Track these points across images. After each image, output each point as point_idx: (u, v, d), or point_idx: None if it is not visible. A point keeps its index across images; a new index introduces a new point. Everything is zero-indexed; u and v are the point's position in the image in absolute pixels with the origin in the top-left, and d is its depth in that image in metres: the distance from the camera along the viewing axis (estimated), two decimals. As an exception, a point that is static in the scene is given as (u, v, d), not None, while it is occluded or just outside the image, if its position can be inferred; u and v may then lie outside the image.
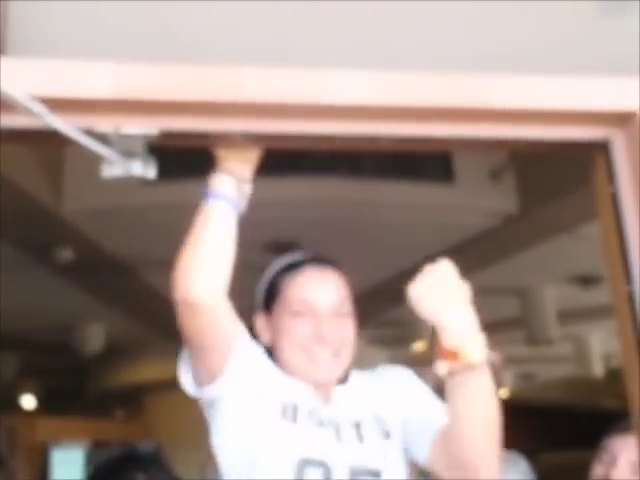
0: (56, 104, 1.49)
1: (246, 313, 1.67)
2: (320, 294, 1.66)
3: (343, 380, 1.68)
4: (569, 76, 1.70)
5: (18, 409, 10.11)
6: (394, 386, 1.72)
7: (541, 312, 6.67)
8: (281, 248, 5.37)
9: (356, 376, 1.72)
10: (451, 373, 1.53)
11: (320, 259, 1.72)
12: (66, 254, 5.42)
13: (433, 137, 1.71)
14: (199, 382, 1.61)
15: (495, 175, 4.85)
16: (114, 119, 1.57)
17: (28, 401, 10.40)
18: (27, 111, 1.45)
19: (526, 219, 5.06)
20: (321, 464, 1.56)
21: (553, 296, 6.67)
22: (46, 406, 10.12)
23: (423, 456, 1.63)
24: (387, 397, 1.70)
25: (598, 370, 8.26)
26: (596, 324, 7.25)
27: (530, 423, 10.85)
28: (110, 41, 1.66)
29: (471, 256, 5.68)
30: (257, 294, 1.73)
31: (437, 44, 1.79)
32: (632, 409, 1.77)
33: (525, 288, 6.61)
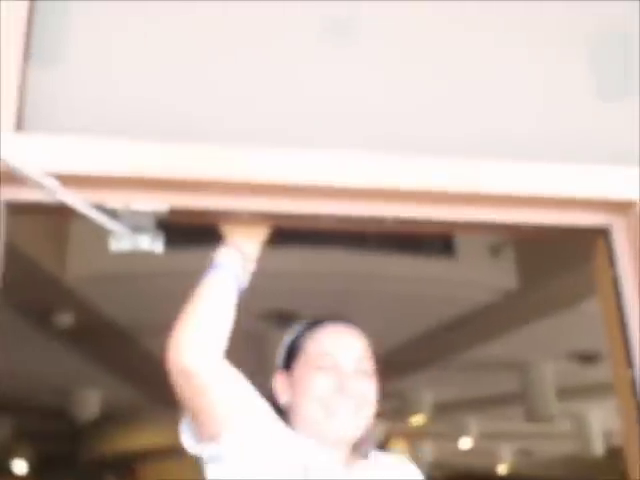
0: (68, 180, 1.52)
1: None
2: (343, 349, 1.64)
3: (364, 454, 1.66)
4: (569, 163, 1.74)
5: (9, 474, 9.95)
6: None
7: (540, 388, 6.63)
8: (282, 317, 5.38)
9: (377, 456, 1.69)
10: None
11: (342, 318, 1.71)
12: (65, 319, 5.41)
13: (435, 219, 1.73)
14: (199, 439, 1.58)
15: (495, 251, 4.88)
16: (125, 195, 1.60)
17: (20, 466, 10.23)
18: (40, 186, 1.48)
19: (526, 294, 5.07)
20: None
21: (552, 372, 6.64)
22: (38, 472, 9.95)
23: None
24: None
25: (598, 448, 8.16)
26: (596, 401, 7.19)
27: (529, 500, 10.67)
28: (123, 120, 1.70)
29: (471, 331, 5.69)
30: (278, 355, 1.71)
31: (439, 130, 1.83)
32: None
33: (524, 363, 6.59)
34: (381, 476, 1.64)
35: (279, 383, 1.67)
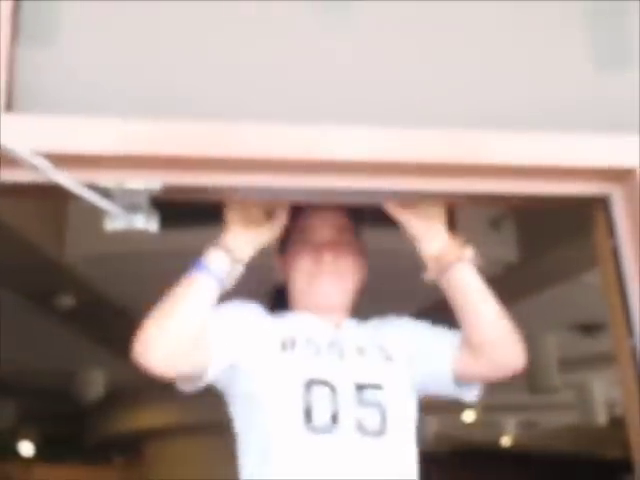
0: (60, 159, 1.51)
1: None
2: (320, 222, 1.84)
3: (352, 315, 1.85)
4: (569, 132, 1.72)
5: (16, 456, 10.04)
6: (398, 323, 1.90)
7: (543, 360, 6.64)
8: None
9: (365, 320, 1.88)
10: (439, 275, 1.81)
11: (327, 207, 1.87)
12: (67, 301, 5.42)
13: (433, 192, 1.72)
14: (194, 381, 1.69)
15: (495, 223, 4.87)
16: (117, 174, 1.58)
17: (26, 448, 10.32)
18: (31, 167, 1.47)
19: (527, 267, 5.07)
20: (325, 383, 1.64)
21: (555, 344, 6.65)
22: (44, 453, 10.04)
23: (449, 362, 1.81)
24: (391, 331, 1.85)
25: (601, 418, 8.20)
26: (599, 372, 7.21)
27: (532, 471, 10.74)
28: (113, 97, 1.68)
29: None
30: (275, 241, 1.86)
31: (437, 101, 1.81)
32: (635, 461, 1.76)
33: (527, 336, 6.53)
34: (365, 329, 1.84)
35: (277, 264, 1.88)
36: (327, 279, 1.78)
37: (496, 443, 10.97)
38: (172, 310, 1.59)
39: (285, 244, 1.86)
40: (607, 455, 8.24)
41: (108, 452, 9.98)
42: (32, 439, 10.21)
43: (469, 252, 1.82)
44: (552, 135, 1.71)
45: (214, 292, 1.64)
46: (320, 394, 1.62)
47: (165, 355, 1.56)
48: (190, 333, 1.59)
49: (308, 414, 1.60)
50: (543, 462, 10.86)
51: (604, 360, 6.28)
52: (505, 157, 1.68)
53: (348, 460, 1.60)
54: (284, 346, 1.69)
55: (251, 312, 1.76)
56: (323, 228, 1.83)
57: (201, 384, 1.68)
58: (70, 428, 9.23)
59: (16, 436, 9.92)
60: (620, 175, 1.72)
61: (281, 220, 1.79)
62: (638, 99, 1.84)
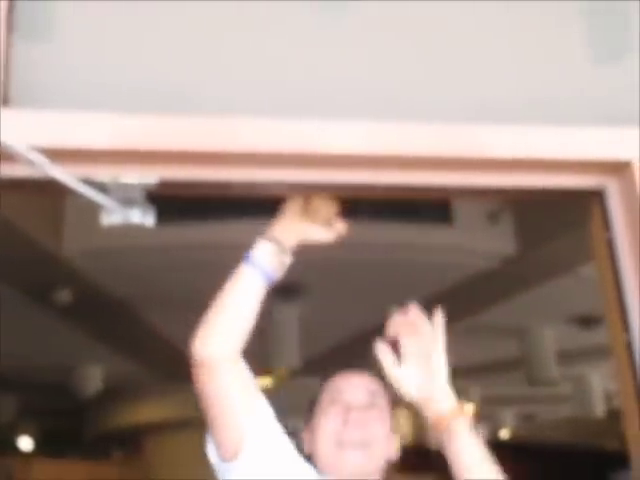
0: (56, 154, 1.51)
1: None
2: (352, 387, 1.72)
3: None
4: (565, 125, 1.72)
5: (15, 451, 10.04)
6: None
7: (541, 352, 6.66)
8: (281, 289, 5.38)
9: None
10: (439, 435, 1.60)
11: (356, 369, 1.78)
12: (65, 295, 5.42)
13: (430, 185, 1.72)
14: (222, 457, 1.65)
15: (493, 217, 4.88)
16: (113, 169, 1.58)
17: (25, 443, 10.33)
18: (27, 162, 1.47)
19: (524, 260, 5.08)
20: None
21: (553, 336, 6.66)
22: (43, 448, 10.05)
23: None
24: None
25: (599, 410, 8.22)
26: (596, 364, 7.23)
27: (531, 463, 10.76)
28: (109, 92, 1.68)
29: (470, 297, 5.70)
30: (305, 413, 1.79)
31: (433, 94, 1.81)
32: (631, 454, 1.77)
33: (524, 329, 6.61)
34: None
35: (305, 439, 1.75)
36: (356, 444, 1.66)
37: (495, 435, 11.01)
38: (222, 306, 1.62)
39: (311, 416, 1.75)
40: (605, 447, 8.25)
41: (107, 447, 9.99)
42: (31, 434, 10.22)
43: (468, 412, 1.68)
44: (548, 128, 1.71)
45: (260, 284, 1.64)
46: None
47: (216, 341, 1.60)
48: (240, 326, 1.62)
49: None
50: (541, 454, 10.88)
51: (602, 352, 6.29)
52: (502, 150, 1.68)
53: None
54: None
55: (292, 451, 1.68)
56: (355, 392, 1.71)
57: (226, 468, 1.65)
58: (69, 423, 9.24)
59: (15, 431, 9.92)
60: (616, 168, 1.72)
61: (339, 231, 1.77)
62: (633, 92, 1.84)
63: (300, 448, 1.72)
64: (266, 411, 1.66)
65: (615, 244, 1.74)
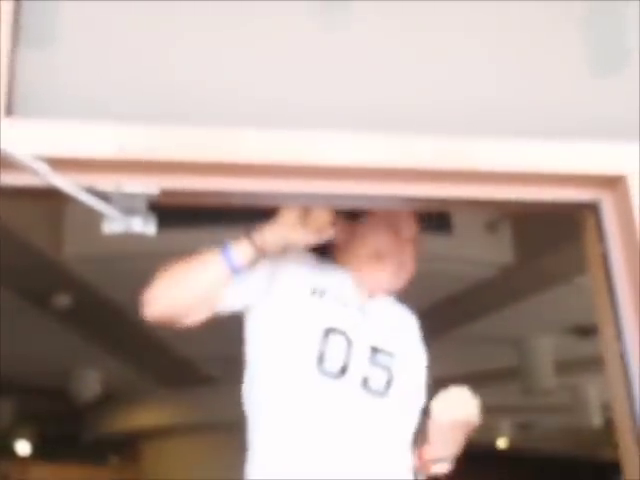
0: (59, 163, 1.53)
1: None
2: (408, 221, 1.95)
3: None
4: (561, 139, 1.74)
5: (12, 455, 10.03)
6: (409, 341, 1.94)
7: (538, 362, 6.67)
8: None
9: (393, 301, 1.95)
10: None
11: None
12: (64, 300, 5.43)
13: (427, 198, 1.74)
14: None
15: (491, 226, 4.90)
16: (115, 178, 1.60)
17: (23, 447, 10.32)
18: (30, 170, 1.49)
19: (522, 269, 5.10)
20: (344, 334, 1.72)
21: (550, 346, 6.67)
22: (41, 452, 10.04)
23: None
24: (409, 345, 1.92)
25: (596, 420, 8.22)
26: (593, 374, 7.23)
27: (528, 472, 10.76)
28: (112, 102, 1.70)
29: (468, 306, 5.71)
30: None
31: (431, 107, 1.83)
32: (625, 466, 1.78)
33: (522, 338, 6.62)
34: (391, 315, 1.91)
35: (339, 226, 1.88)
36: (393, 270, 1.88)
37: (492, 445, 11.00)
38: (178, 277, 1.72)
39: (358, 216, 1.93)
40: (602, 457, 8.26)
41: (104, 451, 9.99)
42: (29, 438, 10.20)
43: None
44: (544, 142, 1.74)
45: (222, 273, 1.72)
46: (336, 343, 1.70)
47: (164, 313, 1.70)
48: (189, 302, 1.71)
49: (321, 358, 1.68)
50: (538, 463, 10.87)
51: (599, 363, 6.28)
52: (496, 163, 1.70)
53: (348, 411, 1.69)
54: (313, 292, 1.76)
55: (286, 257, 1.82)
56: (407, 224, 1.94)
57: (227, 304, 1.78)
58: (66, 427, 9.24)
59: (13, 435, 9.91)
60: (610, 182, 1.74)
61: (328, 235, 1.85)
62: (629, 106, 1.86)
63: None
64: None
65: (609, 257, 1.76)
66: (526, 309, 5.74)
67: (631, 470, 1.75)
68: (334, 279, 1.83)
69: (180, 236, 4.38)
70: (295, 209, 1.79)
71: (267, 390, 1.71)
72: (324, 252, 1.92)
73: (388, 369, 1.77)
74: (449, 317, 5.95)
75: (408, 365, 1.86)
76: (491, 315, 5.88)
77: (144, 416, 8.68)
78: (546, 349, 6.67)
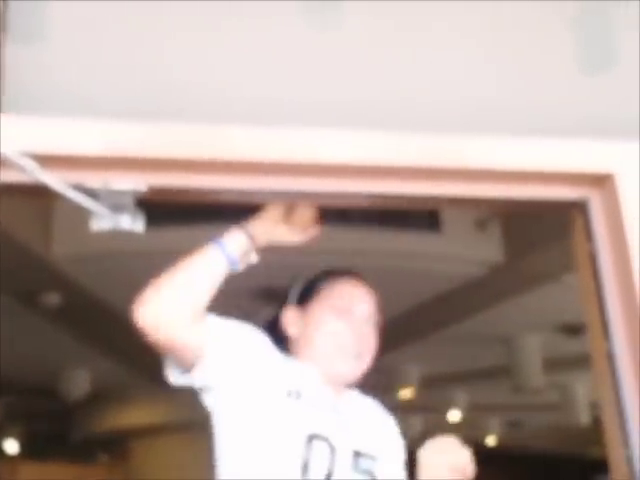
0: (47, 160, 1.52)
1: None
2: (358, 297, 1.77)
3: (350, 387, 1.77)
4: (548, 138, 1.75)
5: (1, 454, 9.98)
6: (386, 436, 1.81)
7: (527, 360, 6.68)
8: (271, 295, 5.39)
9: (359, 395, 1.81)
10: None
11: (357, 273, 1.85)
12: (52, 299, 5.41)
13: (417, 195, 1.75)
14: (183, 370, 1.64)
15: (481, 225, 4.90)
16: (103, 175, 1.60)
17: (11, 446, 10.26)
18: (18, 167, 1.49)
19: (511, 268, 5.10)
20: (326, 441, 1.63)
21: (539, 344, 6.68)
22: (29, 451, 9.99)
23: None
24: (383, 437, 1.79)
25: (584, 418, 8.24)
26: (582, 372, 7.25)
27: (517, 470, 10.79)
28: (101, 99, 1.70)
29: (458, 304, 5.72)
30: (291, 292, 1.82)
31: (421, 105, 1.84)
32: (612, 464, 1.79)
33: (511, 336, 6.63)
34: (364, 412, 1.78)
35: (290, 316, 1.77)
36: (354, 354, 1.72)
37: (481, 443, 11.02)
38: (175, 276, 1.60)
39: (307, 299, 1.78)
40: (590, 455, 8.29)
41: (93, 450, 9.95)
42: (17, 437, 10.16)
43: None
44: (532, 140, 1.74)
45: (222, 268, 1.64)
46: (319, 450, 1.62)
47: (157, 315, 1.56)
48: (187, 301, 1.59)
49: (305, 468, 1.59)
50: (527, 461, 10.91)
51: (587, 361, 6.31)
52: (486, 162, 1.71)
53: None
54: (289, 394, 1.65)
55: (261, 343, 1.69)
56: (360, 304, 1.77)
57: (188, 379, 1.65)
58: (56, 426, 9.20)
59: (1, 434, 9.87)
60: (598, 180, 1.75)
61: (311, 236, 1.82)
62: (618, 105, 1.87)
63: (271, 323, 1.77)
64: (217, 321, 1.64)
65: (597, 255, 1.77)
66: (515, 307, 5.75)
67: (617, 468, 1.75)
68: (303, 377, 1.69)
69: (169, 234, 4.37)
70: (279, 206, 1.76)
71: None
72: (278, 341, 1.77)
73: (371, 473, 1.69)
74: (438, 316, 5.95)
75: (389, 465, 1.77)
76: (480, 313, 5.89)
77: (133, 415, 8.66)
78: (535, 347, 6.69)
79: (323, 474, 1.61)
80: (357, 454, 1.67)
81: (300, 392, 1.66)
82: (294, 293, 1.81)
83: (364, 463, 1.69)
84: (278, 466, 1.58)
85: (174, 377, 1.67)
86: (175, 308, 1.57)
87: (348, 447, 1.66)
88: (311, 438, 1.61)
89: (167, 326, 1.56)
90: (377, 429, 1.79)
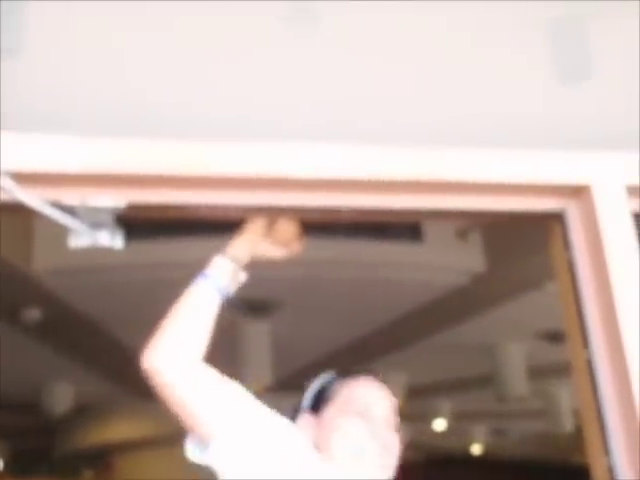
0: (25, 178, 1.52)
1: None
2: (375, 398, 1.68)
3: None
4: (525, 150, 1.76)
5: (-16, 470, 9.89)
6: None
7: (510, 368, 6.70)
8: (252, 306, 5.39)
9: None
10: None
11: (374, 372, 1.75)
12: (34, 314, 5.38)
13: (397, 208, 1.75)
14: (203, 448, 1.60)
15: (462, 234, 4.92)
16: (81, 192, 1.60)
17: (-6, 462, 10.18)
18: (-4, 185, 1.48)
19: (493, 277, 5.12)
20: None
21: (522, 352, 6.71)
22: (13, 467, 9.91)
23: None
24: None
25: (568, 424, 8.27)
26: (565, 379, 7.28)
27: (502, 478, 10.80)
28: (78, 116, 1.70)
29: (440, 314, 5.74)
30: (305, 397, 1.74)
31: (400, 118, 1.85)
32: (593, 471, 1.80)
33: (494, 345, 6.65)
34: None
35: (305, 423, 1.68)
36: (375, 459, 1.62)
37: (467, 451, 11.04)
38: (175, 319, 1.61)
39: (322, 405, 1.70)
40: (575, 462, 8.32)
41: (77, 465, 9.87)
42: (0, 453, 10.08)
43: None
44: (510, 153, 1.76)
45: (216, 300, 1.65)
46: None
47: (167, 353, 1.57)
48: (192, 339, 1.60)
49: None
50: (513, 469, 10.92)
51: (570, 368, 6.32)
52: (465, 175, 1.72)
53: None
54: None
55: (293, 440, 1.62)
56: (378, 406, 1.68)
57: (206, 458, 1.60)
58: (39, 442, 9.13)
59: (-16, 450, 9.79)
60: (575, 191, 1.77)
61: (294, 251, 1.81)
62: (593, 117, 1.89)
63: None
64: (243, 398, 1.60)
65: (575, 264, 1.78)
66: (498, 316, 5.77)
67: (599, 475, 1.76)
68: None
69: (150, 248, 4.37)
70: (260, 222, 1.77)
71: None
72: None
73: None
74: (421, 325, 5.96)
75: None
76: (463, 323, 5.91)
77: (117, 429, 8.61)
78: (518, 355, 6.71)
79: None
80: None
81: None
82: (308, 399, 1.74)
83: None
84: None
85: (191, 453, 1.65)
86: (180, 351, 1.58)
87: None
88: None
89: (175, 368, 1.57)
90: None
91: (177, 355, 1.58)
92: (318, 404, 1.71)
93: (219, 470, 1.58)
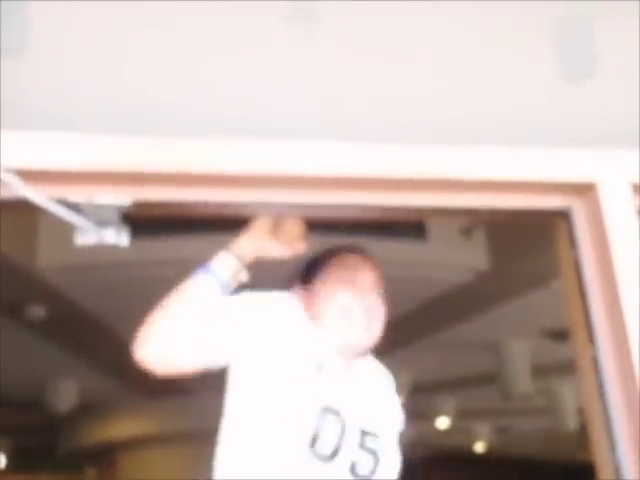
0: (30, 175, 1.52)
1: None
2: (362, 269, 1.82)
3: (363, 355, 1.83)
4: (531, 148, 1.76)
5: (-13, 468, 9.92)
6: (389, 412, 1.87)
7: (514, 366, 6.69)
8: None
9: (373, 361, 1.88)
10: None
11: (359, 247, 1.89)
12: (38, 311, 5.38)
13: (402, 206, 1.75)
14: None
15: (466, 232, 4.92)
16: (87, 189, 1.60)
17: (-2, 459, 10.20)
18: (2, 183, 1.48)
19: (497, 274, 5.11)
20: (338, 415, 1.66)
21: (526, 350, 6.70)
22: (16, 464, 9.93)
23: None
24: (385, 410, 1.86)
25: (572, 423, 8.26)
26: (569, 377, 7.27)
27: (506, 476, 10.80)
28: (84, 114, 1.70)
29: (444, 312, 5.73)
30: (295, 271, 1.86)
31: (404, 116, 1.84)
32: (598, 469, 1.80)
33: (498, 343, 6.64)
34: (371, 385, 1.84)
35: (297, 295, 1.80)
36: (363, 324, 1.76)
37: (470, 449, 11.03)
38: (168, 310, 1.63)
39: (313, 278, 1.83)
40: (579, 459, 8.31)
41: (81, 463, 9.88)
42: (4, 450, 10.09)
43: None
44: (515, 151, 1.75)
45: (215, 294, 1.67)
46: (331, 425, 1.65)
47: (161, 353, 1.61)
48: (185, 332, 1.62)
49: (314, 439, 1.62)
50: (516, 467, 10.92)
51: (575, 366, 6.31)
52: (470, 172, 1.71)
53: None
54: (317, 368, 1.69)
55: (285, 312, 1.73)
56: (365, 275, 1.82)
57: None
58: (42, 439, 9.14)
59: (-12, 447, 9.81)
60: (581, 189, 1.76)
61: (299, 251, 1.84)
62: (599, 114, 1.88)
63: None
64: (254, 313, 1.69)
65: (581, 262, 1.78)
66: (502, 314, 5.76)
67: (604, 473, 1.76)
68: (323, 347, 1.73)
69: (155, 246, 4.37)
70: (266, 221, 1.78)
71: (250, 463, 1.61)
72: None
73: (374, 453, 1.73)
74: (425, 323, 5.96)
75: (391, 444, 1.82)
76: (467, 320, 5.90)
77: (120, 427, 8.62)
78: (522, 353, 6.70)
79: (331, 449, 1.64)
80: (364, 433, 1.72)
81: (322, 364, 1.69)
82: (298, 272, 1.84)
83: (370, 442, 1.72)
84: (287, 433, 1.61)
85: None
86: (174, 342, 1.61)
87: (356, 425, 1.70)
88: (325, 411, 1.65)
89: (173, 362, 1.63)
90: (382, 404, 1.84)
91: (168, 354, 1.62)
92: (309, 276, 1.83)
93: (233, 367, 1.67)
